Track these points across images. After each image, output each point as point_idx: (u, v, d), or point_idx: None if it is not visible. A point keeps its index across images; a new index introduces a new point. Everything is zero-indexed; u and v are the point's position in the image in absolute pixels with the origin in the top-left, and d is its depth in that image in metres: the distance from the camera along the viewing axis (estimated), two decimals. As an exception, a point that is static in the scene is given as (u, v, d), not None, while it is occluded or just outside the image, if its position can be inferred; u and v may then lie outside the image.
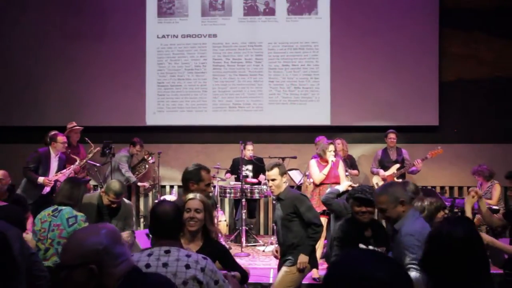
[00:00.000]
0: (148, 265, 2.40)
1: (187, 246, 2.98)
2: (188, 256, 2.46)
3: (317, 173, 6.06)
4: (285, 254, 4.24)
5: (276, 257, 4.45)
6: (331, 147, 6.08)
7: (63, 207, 3.86)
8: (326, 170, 6.01)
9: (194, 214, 3.07)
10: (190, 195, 3.22)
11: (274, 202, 7.66)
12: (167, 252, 2.46)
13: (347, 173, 6.44)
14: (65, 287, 1.65)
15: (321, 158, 6.14)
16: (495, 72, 8.25)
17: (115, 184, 4.42)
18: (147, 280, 1.78)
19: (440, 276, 1.90)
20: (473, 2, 8.23)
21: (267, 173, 4.27)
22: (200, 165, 3.76)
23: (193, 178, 3.66)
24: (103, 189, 4.55)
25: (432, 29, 8.23)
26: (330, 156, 6.01)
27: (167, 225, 2.55)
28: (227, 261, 3.19)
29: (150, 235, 2.84)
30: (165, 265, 2.40)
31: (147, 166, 8.02)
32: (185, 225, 3.05)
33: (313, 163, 6.19)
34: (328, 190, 4.70)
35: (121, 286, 1.63)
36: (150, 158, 7.92)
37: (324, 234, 5.75)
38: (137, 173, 7.96)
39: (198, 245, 3.13)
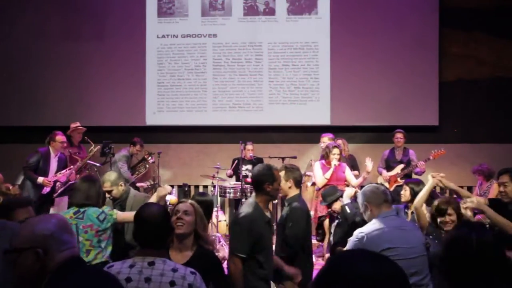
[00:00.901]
0: (129, 279, 2.21)
1: (176, 256, 2.81)
2: (175, 270, 2.27)
3: (320, 177, 6.13)
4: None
5: None
6: (335, 151, 6.10)
7: (85, 208, 3.73)
8: (328, 174, 6.06)
9: (182, 215, 2.89)
10: (182, 199, 3.15)
11: (273, 202, 7.73)
12: (151, 264, 2.26)
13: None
14: (14, 269, 1.77)
15: (326, 159, 6.16)
16: (495, 72, 8.25)
17: (104, 174, 4.50)
18: (84, 267, 1.89)
19: (464, 282, 1.86)
20: (473, 2, 8.23)
21: None
22: (270, 165, 3.64)
23: (268, 180, 3.51)
24: None
25: (432, 29, 8.23)
26: (333, 160, 6.06)
27: (152, 231, 2.34)
28: (216, 276, 2.86)
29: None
30: (147, 280, 2.21)
31: (147, 166, 8.01)
32: (173, 231, 2.83)
33: (317, 166, 6.23)
34: (347, 211, 4.41)
35: (59, 269, 1.75)
36: (150, 158, 7.91)
37: (326, 234, 5.75)
38: (137, 173, 7.95)
39: (187, 256, 2.86)
